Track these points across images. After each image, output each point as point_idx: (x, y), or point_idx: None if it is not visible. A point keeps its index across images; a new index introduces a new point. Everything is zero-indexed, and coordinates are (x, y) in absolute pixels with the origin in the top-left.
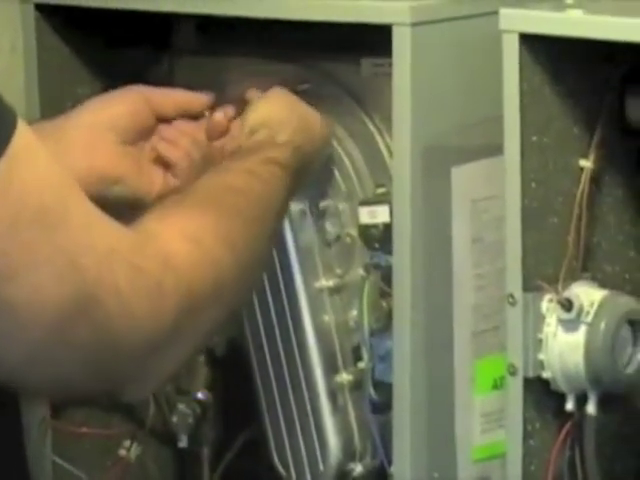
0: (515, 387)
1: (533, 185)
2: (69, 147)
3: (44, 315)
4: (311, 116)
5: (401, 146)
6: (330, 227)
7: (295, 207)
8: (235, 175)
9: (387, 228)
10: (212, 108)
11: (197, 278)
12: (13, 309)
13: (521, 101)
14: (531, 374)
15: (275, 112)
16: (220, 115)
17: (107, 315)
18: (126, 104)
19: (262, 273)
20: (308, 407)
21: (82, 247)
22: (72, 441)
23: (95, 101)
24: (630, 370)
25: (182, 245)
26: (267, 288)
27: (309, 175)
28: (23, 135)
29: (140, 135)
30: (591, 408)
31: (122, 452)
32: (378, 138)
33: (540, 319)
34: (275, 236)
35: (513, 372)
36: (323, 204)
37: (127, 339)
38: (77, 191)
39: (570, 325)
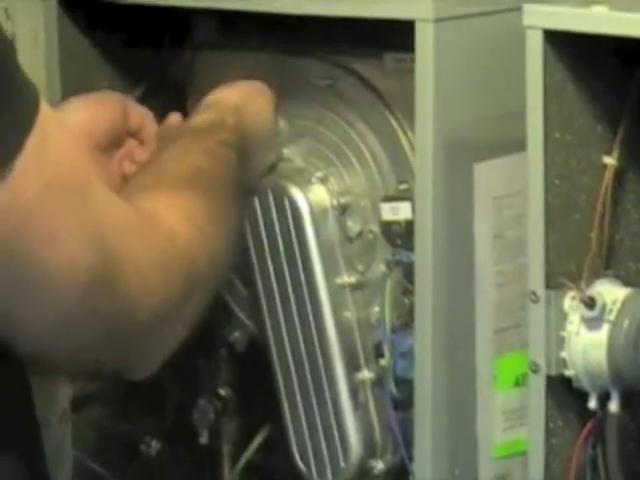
0: (537, 385)
1: (556, 182)
2: None
3: (75, 281)
4: (263, 112)
5: (423, 142)
6: (352, 223)
7: (317, 203)
8: (198, 156)
9: (409, 224)
10: None
11: (196, 254)
12: (48, 272)
13: (544, 97)
14: (553, 372)
15: (225, 97)
16: (176, 117)
17: (127, 286)
18: (107, 110)
19: (236, 251)
20: (329, 404)
21: (107, 220)
22: (92, 436)
23: (77, 101)
24: None
25: (181, 224)
26: (289, 284)
27: (251, 169)
28: (48, 108)
29: (112, 143)
30: (614, 406)
31: (142, 447)
32: (400, 134)
33: (563, 317)
34: (241, 217)
35: (535, 370)
36: (345, 200)
37: (143, 310)
38: (93, 169)
39: (593, 323)
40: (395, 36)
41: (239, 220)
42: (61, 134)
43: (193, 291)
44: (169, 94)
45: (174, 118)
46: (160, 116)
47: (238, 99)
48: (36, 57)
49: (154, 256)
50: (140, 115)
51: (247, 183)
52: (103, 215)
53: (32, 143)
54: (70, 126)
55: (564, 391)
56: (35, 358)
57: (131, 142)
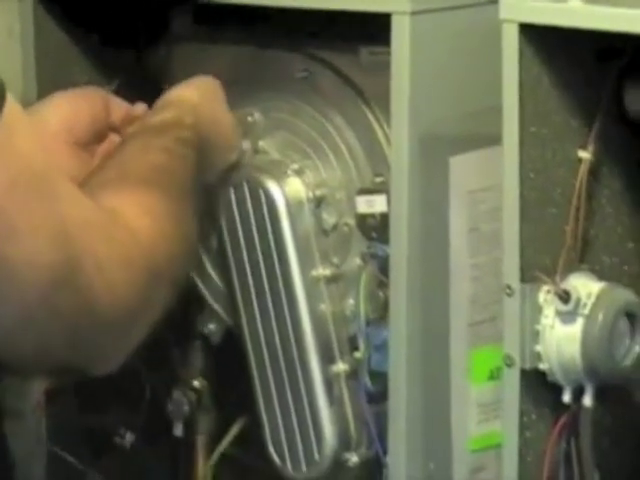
0: (512, 378)
1: (531, 175)
2: None
3: (39, 278)
4: (222, 111)
5: (399, 135)
6: (327, 216)
7: (292, 196)
8: (158, 154)
9: (384, 217)
10: None
11: (157, 252)
12: (11, 269)
13: (520, 91)
14: (528, 365)
15: (185, 95)
16: (141, 107)
17: (89, 283)
18: (89, 104)
19: (194, 253)
20: (304, 396)
21: (70, 216)
22: (66, 428)
23: (58, 97)
24: (627, 362)
25: (143, 220)
26: (264, 276)
27: (210, 168)
28: (13, 106)
29: (94, 138)
30: (588, 400)
31: (117, 440)
32: (376, 127)
33: (537, 310)
34: (197, 215)
35: (510, 363)
36: (320, 192)
37: (105, 307)
38: (57, 165)
39: (567, 317)
40: (371, 29)
41: (197, 218)
42: (27, 130)
43: (155, 288)
44: (145, 88)
45: (139, 108)
46: None
47: (197, 97)
48: (12, 51)
49: (116, 253)
50: (122, 110)
51: (205, 181)
52: (67, 212)
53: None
54: (51, 122)
55: (538, 385)
56: None
57: (113, 137)
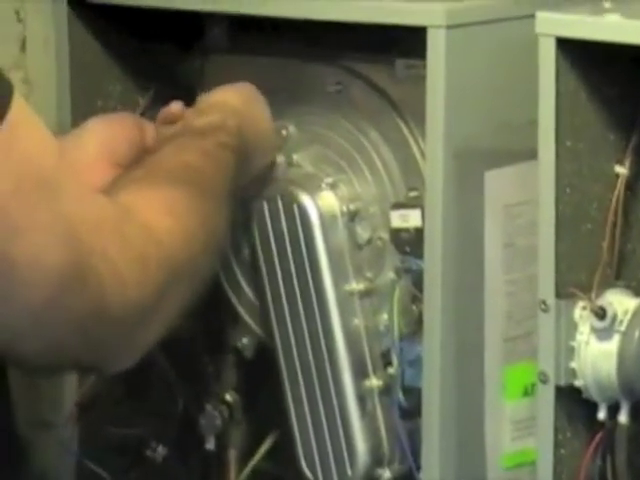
0: (546, 395)
1: (567, 190)
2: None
3: (45, 279)
4: (262, 117)
5: (434, 149)
6: (361, 230)
7: (326, 210)
8: (193, 155)
9: (419, 232)
10: None
11: (177, 251)
12: (17, 269)
13: (556, 105)
14: (563, 382)
15: (228, 99)
16: (177, 106)
17: (100, 283)
18: (124, 129)
19: (219, 254)
20: (336, 411)
21: (78, 216)
22: (98, 440)
23: (94, 122)
24: None
25: (163, 219)
26: (297, 290)
27: (248, 173)
28: (21, 104)
29: (132, 161)
30: (623, 417)
31: (148, 453)
32: (411, 141)
33: (573, 327)
34: (228, 219)
35: (544, 380)
36: (354, 206)
37: (117, 307)
38: (68, 164)
39: (603, 333)
40: (407, 42)
41: (228, 221)
42: (34, 131)
43: (173, 287)
44: (179, 98)
45: (175, 107)
46: None
47: (239, 102)
48: (47, 60)
49: (129, 251)
50: (153, 133)
51: (241, 184)
52: (75, 212)
53: (2, 138)
54: (90, 146)
55: (573, 401)
56: (6, 354)
57: None
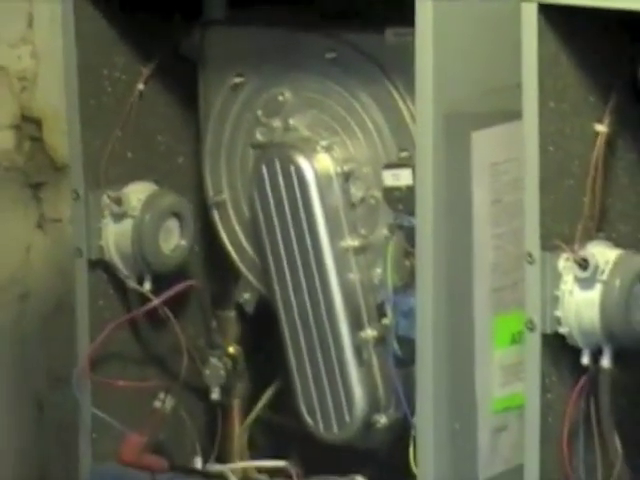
0: (533, 342)
1: (550, 149)
2: None
3: None
4: None
5: (423, 112)
6: (355, 189)
7: (322, 171)
8: None
9: (410, 190)
10: None
11: None
12: None
13: (539, 68)
14: (548, 330)
15: None
16: None
17: None
18: None
19: None
20: (334, 361)
21: None
22: (110, 394)
23: None
24: None
25: None
26: (295, 248)
27: None
28: None
29: None
30: (606, 362)
31: (157, 404)
32: (401, 105)
33: (557, 277)
34: None
35: (531, 328)
36: (348, 167)
37: None
38: None
39: (586, 283)
40: (396, 11)
41: None
42: None
43: None
44: (181, 68)
45: None
46: (173, 89)
47: None
48: (53, 35)
49: None
50: None
51: None
52: None
53: None
54: None
55: (558, 348)
56: None
57: None
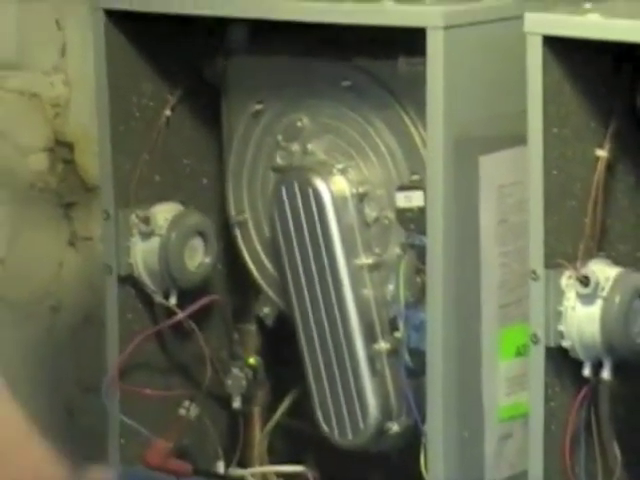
0: (537, 355)
1: (554, 172)
2: None
3: None
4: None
5: (434, 137)
6: (369, 210)
7: (338, 192)
8: None
9: (421, 211)
10: None
11: None
12: None
13: (543, 96)
14: (552, 343)
15: None
16: None
17: None
18: None
19: None
20: (349, 372)
21: None
22: (137, 402)
23: None
24: None
25: None
26: (313, 265)
27: None
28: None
29: None
30: (606, 374)
31: (182, 412)
32: (413, 130)
33: (560, 293)
34: None
35: (536, 341)
36: (363, 189)
37: None
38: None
39: (587, 299)
40: (409, 42)
41: None
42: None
43: None
44: (205, 93)
45: None
46: (198, 114)
47: None
48: (85, 63)
49: None
50: None
51: None
52: None
53: None
54: None
55: (561, 360)
56: None
57: None
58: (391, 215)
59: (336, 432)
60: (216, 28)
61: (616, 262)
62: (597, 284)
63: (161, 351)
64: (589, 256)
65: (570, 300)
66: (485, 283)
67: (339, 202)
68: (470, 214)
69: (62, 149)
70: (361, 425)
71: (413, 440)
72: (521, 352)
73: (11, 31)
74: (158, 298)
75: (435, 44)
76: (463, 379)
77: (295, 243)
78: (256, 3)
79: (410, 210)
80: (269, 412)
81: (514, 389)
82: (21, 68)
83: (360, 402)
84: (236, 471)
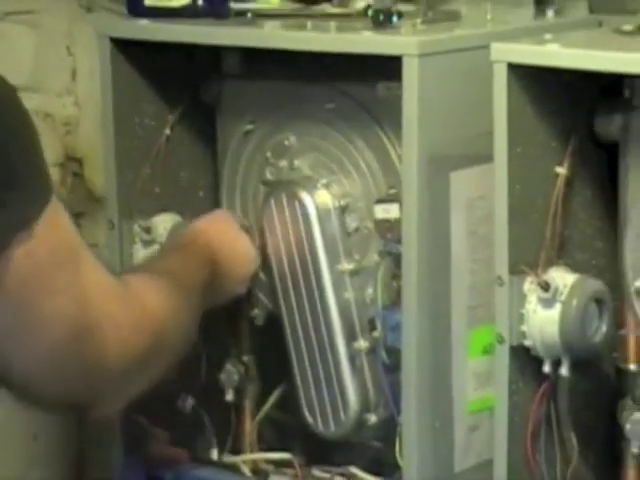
0: (502, 353)
1: (518, 187)
2: None
3: (63, 329)
4: (235, 242)
5: (409, 155)
6: (350, 221)
7: (322, 205)
8: (185, 269)
9: (397, 222)
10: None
11: (163, 324)
12: (44, 320)
13: (508, 118)
14: (515, 342)
15: (213, 230)
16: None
17: (103, 338)
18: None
19: (187, 344)
20: (332, 368)
21: (90, 284)
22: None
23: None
24: (596, 340)
25: (156, 301)
26: (299, 270)
27: (220, 289)
28: (55, 199)
29: None
30: (564, 371)
31: (179, 404)
32: (390, 148)
33: (523, 297)
34: (198, 311)
35: (501, 341)
36: (345, 202)
37: (114, 359)
38: (84, 243)
39: (547, 303)
40: (386, 68)
41: (198, 313)
42: (64, 216)
43: (158, 351)
44: (202, 115)
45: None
46: (195, 133)
47: (212, 233)
48: (93, 86)
49: (129, 318)
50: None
51: (217, 296)
52: (87, 281)
53: (45, 216)
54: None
55: (524, 358)
56: (26, 396)
57: None
58: (370, 225)
59: (320, 423)
60: (212, 55)
61: (574, 269)
62: (556, 289)
63: None
64: (549, 264)
65: (532, 304)
66: (455, 288)
67: (323, 213)
68: (442, 225)
69: (72, 164)
70: (342, 416)
71: (389, 430)
72: (487, 350)
73: (27, 57)
74: None
75: (410, 70)
76: (435, 375)
77: (283, 250)
78: (248, 33)
79: (387, 221)
80: (259, 404)
81: (481, 384)
82: (36, 90)
83: (341, 395)
84: (229, 458)
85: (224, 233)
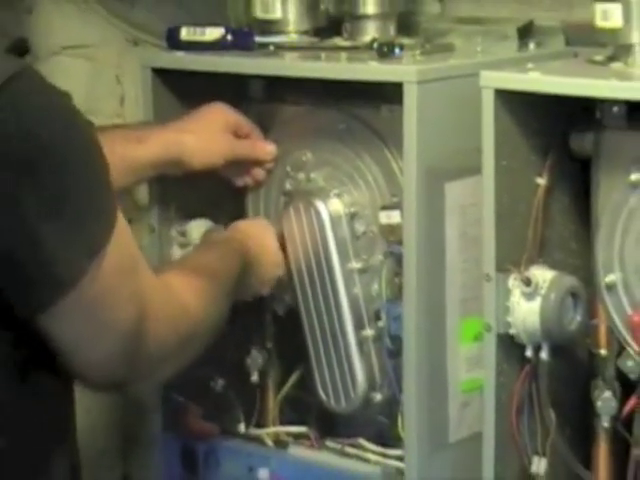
0: (490, 340)
1: (503, 196)
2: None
3: (124, 326)
4: (269, 246)
5: (409, 168)
6: (359, 226)
7: (334, 212)
8: (221, 260)
9: (399, 226)
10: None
11: (198, 320)
12: (113, 320)
13: (495, 136)
14: (501, 331)
15: (252, 231)
16: (272, 147)
17: (146, 331)
18: (228, 110)
19: (217, 331)
20: (342, 353)
21: (146, 289)
22: (176, 376)
23: (206, 108)
24: (572, 328)
25: (192, 298)
26: (314, 269)
27: (248, 285)
28: (120, 214)
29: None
30: (544, 355)
31: (212, 384)
32: (393, 162)
33: (508, 292)
34: (229, 306)
35: (488, 329)
36: (354, 209)
37: (153, 351)
38: (137, 247)
39: (529, 296)
40: (390, 93)
41: (229, 303)
42: (126, 231)
43: (190, 344)
44: None
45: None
46: None
47: (246, 235)
48: (139, 110)
49: (168, 315)
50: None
51: (243, 292)
52: (144, 287)
53: (113, 237)
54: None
55: (509, 344)
56: (79, 375)
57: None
58: (375, 229)
59: (332, 400)
60: (239, 83)
61: (552, 267)
62: (537, 285)
63: None
64: (531, 262)
65: (516, 297)
66: (449, 283)
67: (335, 219)
68: (437, 229)
69: None
70: (352, 394)
71: (392, 407)
72: (477, 338)
73: (82, 84)
74: None
75: (410, 95)
76: (432, 359)
77: (300, 252)
78: (271, 63)
79: (390, 225)
80: (280, 385)
81: (472, 367)
82: (89, 114)
83: (351, 376)
84: (254, 431)
85: (259, 237)
